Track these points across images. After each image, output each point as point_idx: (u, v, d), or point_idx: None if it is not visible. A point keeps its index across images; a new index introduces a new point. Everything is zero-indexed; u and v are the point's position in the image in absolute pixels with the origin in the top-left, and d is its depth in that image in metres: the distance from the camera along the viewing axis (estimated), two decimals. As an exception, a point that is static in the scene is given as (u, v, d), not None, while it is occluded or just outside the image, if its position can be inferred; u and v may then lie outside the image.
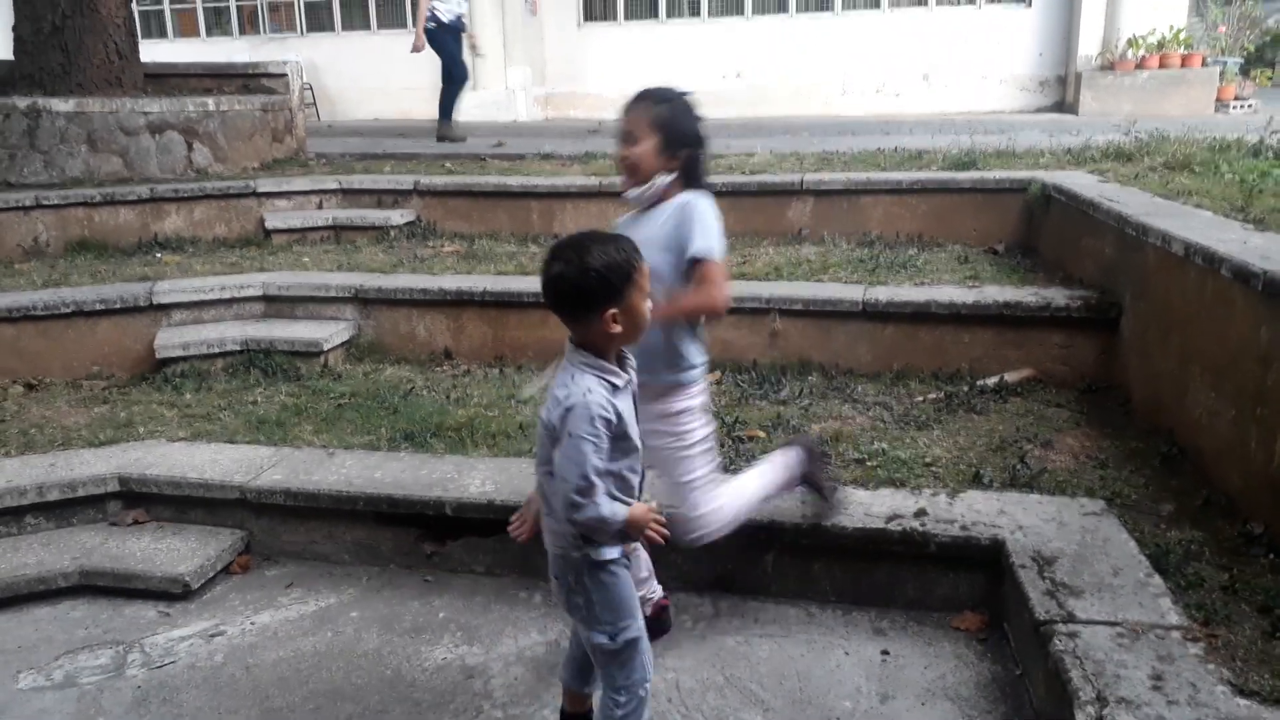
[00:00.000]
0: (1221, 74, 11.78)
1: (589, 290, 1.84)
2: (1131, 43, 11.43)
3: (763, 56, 13.19)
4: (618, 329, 1.88)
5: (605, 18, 13.95)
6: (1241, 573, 2.42)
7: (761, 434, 3.48)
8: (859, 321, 4.22)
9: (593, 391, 1.85)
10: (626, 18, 13.83)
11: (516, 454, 3.34)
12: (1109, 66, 11.55)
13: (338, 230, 6.20)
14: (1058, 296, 4.02)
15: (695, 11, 13.53)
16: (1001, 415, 3.62)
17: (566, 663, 2.24)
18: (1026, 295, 4.07)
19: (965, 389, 3.87)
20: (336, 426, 3.74)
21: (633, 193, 2.43)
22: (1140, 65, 11.32)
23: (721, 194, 5.74)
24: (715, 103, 13.20)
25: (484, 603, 2.92)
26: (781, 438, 3.43)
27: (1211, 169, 5.00)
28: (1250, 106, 11.24)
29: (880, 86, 12.93)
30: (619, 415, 1.88)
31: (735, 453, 3.30)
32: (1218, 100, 11.27)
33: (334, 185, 6.56)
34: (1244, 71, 15.48)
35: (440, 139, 9.44)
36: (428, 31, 9.60)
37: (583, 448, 1.82)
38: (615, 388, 1.90)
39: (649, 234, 2.31)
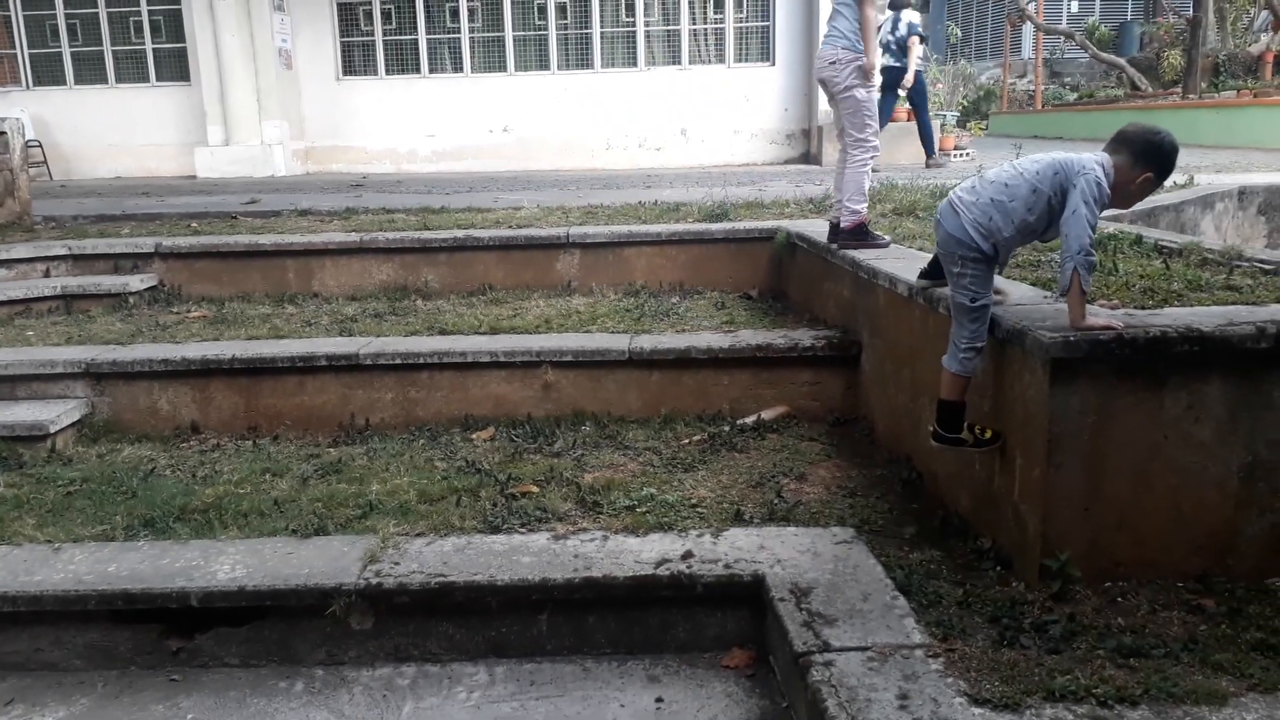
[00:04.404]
0: (942, 126, 13.12)
1: (1153, 151, 2.53)
2: (864, 99, 12.50)
3: (529, 112, 13.37)
4: (1134, 191, 2.58)
5: (365, 72, 13.69)
6: (974, 586, 2.63)
7: (535, 489, 3.45)
8: (627, 370, 4.31)
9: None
10: (387, 72, 13.64)
11: (271, 533, 3.13)
12: (846, 121, 12.57)
13: (68, 300, 5.67)
14: (804, 337, 4.28)
15: (458, 67, 13.54)
16: (760, 452, 3.78)
17: None
18: (776, 338, 4.31)
19: (727, 429, 4.02)
20: (65, 518, 3.37)
21: None
22: (873, 120, 12.38)
23: (491, 248, 5.82)
24: (485, 156, 13.36)
25: (239, 698, 2.70)
26: (555, 491, 3.43)
27: (933, 214, 5.51)
28: (969, 155, 12.54)
29: (642, 141, 13.41)
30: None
31: (508, 510, 3.26)
32: (940, 150, 12.49)
33: (63, 251, 6.01)
34: (961, 123, 17.31)
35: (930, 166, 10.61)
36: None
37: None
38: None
39: None
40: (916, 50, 10.34)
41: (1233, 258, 3.45)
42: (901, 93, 10.59)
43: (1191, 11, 19.54)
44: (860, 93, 4.25)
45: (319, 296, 5.79)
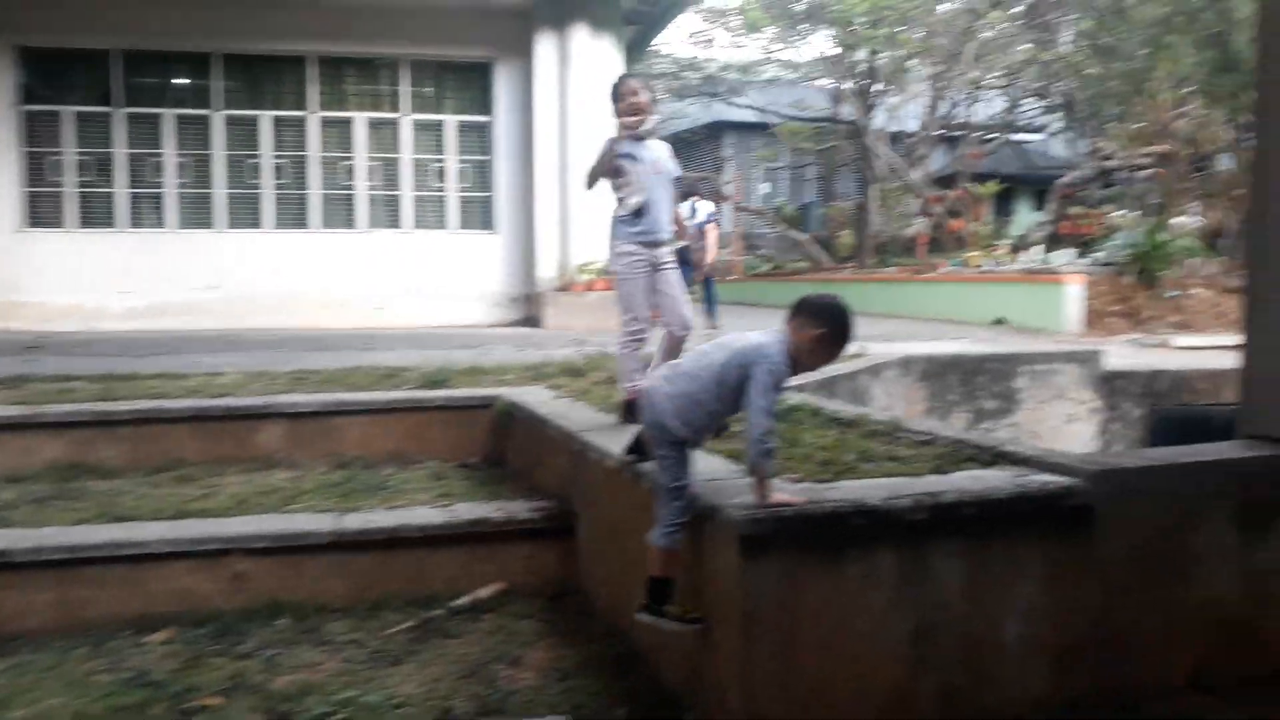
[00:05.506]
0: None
1: (824, 312, 2.79)
2: (581, 269, 13.10)
3: (239, 270, 12.80)
4: (816, 351, 2.79)
5: (53, 224, 12.59)
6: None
7: (216, 701, 3.08)
8: (331, 554, 4.03)
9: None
10: (81, 225, 12.63)
11: None
12: (565, 288, 13.06)
13: None
14: (521, 509, 4.24)
15: (159, 222, 12.81)
16: (474, 636, 3.64)
17: None
18: (493, 511, 4.24)
19: (440, 612, 3.84)
20: None
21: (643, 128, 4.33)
22: (589, 288, 12.97)
23: (183, 419, 5.36)
24: (190, 314, 12.57)
25: None
26: (240, 701, 3.08)
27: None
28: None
29: (361, 302, 13.17)
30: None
31: (182, 730, 2.88)
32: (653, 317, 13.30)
33: None
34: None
35: None
36: None
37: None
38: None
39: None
40: (714, 236, 11.46)
41: (895, 429, 3.85)
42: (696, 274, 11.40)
43: (859, 198, 22.57)
44: (618, 280, 4.46)
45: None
